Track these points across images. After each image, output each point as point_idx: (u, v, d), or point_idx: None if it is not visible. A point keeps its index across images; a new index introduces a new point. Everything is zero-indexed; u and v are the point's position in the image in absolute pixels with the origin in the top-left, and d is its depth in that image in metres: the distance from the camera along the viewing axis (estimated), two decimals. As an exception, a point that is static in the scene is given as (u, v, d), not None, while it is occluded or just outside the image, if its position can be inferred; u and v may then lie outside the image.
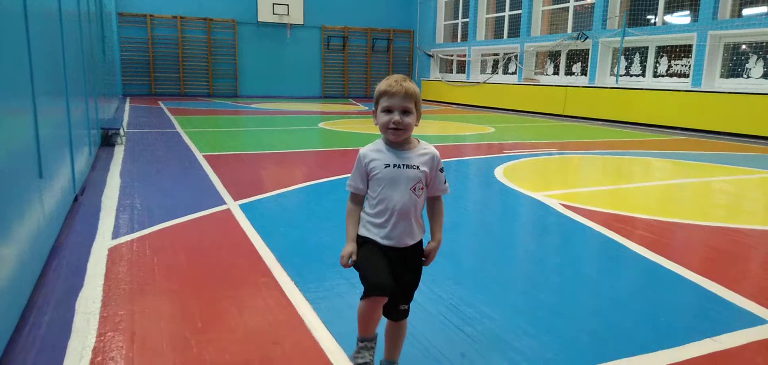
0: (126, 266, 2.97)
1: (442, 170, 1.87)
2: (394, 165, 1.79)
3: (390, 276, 1.77)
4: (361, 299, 1.79)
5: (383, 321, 1.92)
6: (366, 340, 1.86)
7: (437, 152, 1.86)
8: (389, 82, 1.80)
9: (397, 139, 1.80)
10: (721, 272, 3.15)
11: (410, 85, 1.79)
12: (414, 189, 1.80)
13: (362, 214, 1.86)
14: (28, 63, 2.74)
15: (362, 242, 1.84)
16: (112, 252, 3.19)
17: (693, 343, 2.27)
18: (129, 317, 2.37)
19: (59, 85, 3.85)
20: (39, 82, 2.97)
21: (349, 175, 1.88)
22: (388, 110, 1.79)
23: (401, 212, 1.79)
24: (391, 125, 1.77)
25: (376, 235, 1.81)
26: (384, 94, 1.80)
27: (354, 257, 1.80)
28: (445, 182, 1.88)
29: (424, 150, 1.84)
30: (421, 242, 1.88)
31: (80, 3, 5.45)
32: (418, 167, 1.80)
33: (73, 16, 4.83)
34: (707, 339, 2.31)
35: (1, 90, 2.27)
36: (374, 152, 1.83)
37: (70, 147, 4.12)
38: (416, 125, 1.83)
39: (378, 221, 1.81)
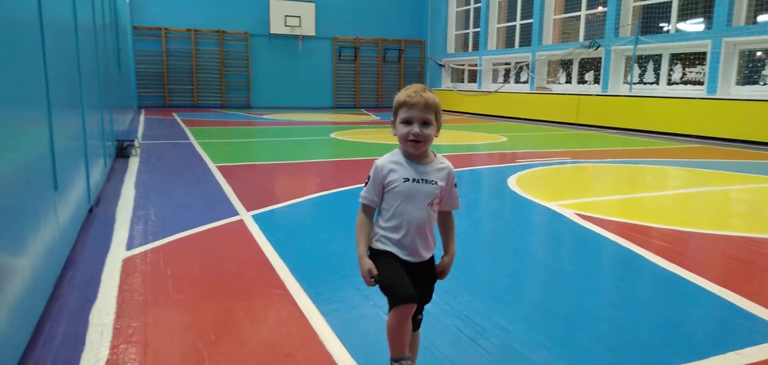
0: (140, 278, 2.97)
1: (455, 185, 1.85)
2: (414, 180, 1.76)
3: (412, 286, 1.74)
4: (390, 312, 1.73)
5: None
6: (402, 360, 1.78)
7: (452, 167, 1.84)
8: (409, 92, 1.76)
9: (417, 151, 1.76)
10: (741, 283, 3.08)
11: (430, 96, 1.76)
12: (431, 204, 1.78)
13: (377, 228, 1.82)
14: (43, 75, 2.77)
15: (378, 254, 1.80)
16: (126, 264, 3.20)
17: (715, 357, 2.21)
18: (142, 329, 2.37)
19: (74, 97, 3.89)
20: (54, 95, 3.00)
21: (360, 185, 1.85)
22: (408, 122, 1.75)
23: (418, 227, 1.76)
24: (411, 137, 1.74)
25: (395, 250, 1.78)
26: (403, 104, 1.76)
27: (374, 272, 1.76)
28: (458, 197, 1.87)
29: (441, 165, 1.81)
30: (433, 255, 1.86)
31: (96, 16, 5.53)
32: (435, 182, 1.77)
33: (88, 29, 4.89)
34: (730, 353, 2.25)
35: (17, 102, 2.29)
36: (393, 164, 1.79)
37: (85, 159, 4.15)
38: (436, 136, 1.79)
39: (395, 236, 1.77)
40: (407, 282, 1.72)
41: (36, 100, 2.63)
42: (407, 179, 1.76)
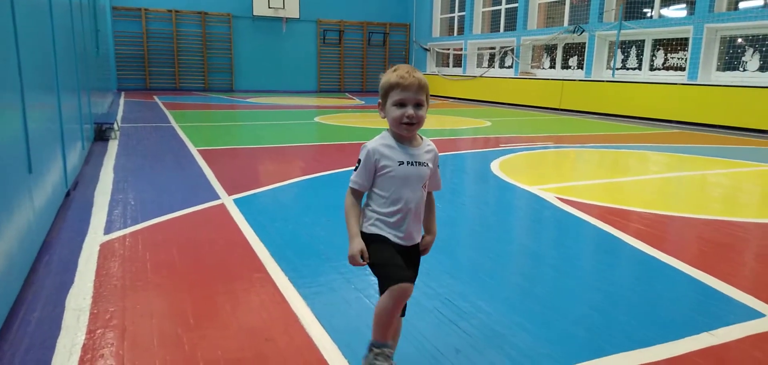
0: (118, 262, 2.93)
1: (438, 166, 1.85)
2: (408, 163, 1.73)
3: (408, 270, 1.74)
4: (386, 293, 1.68)
5: None
6: (383, 346, 1.74)
7: (437, 149, 1.84)
8: (400, 73, 1.71)
9: (411, 133, 1.74)
10: (717, 265, 3.14)
11: (421, 77, 1.73)
12: (424, 186, 1.77)
13: (370, 212, 1.78)
14: (15, 57, 2.70)
15: (371, 239, 1.76)
16: (104, 248, 3.15)
17: (690, 337, 2.26)
18: (120, 313, 2.34)
19: (50, 79, 3.80)
20: (27, 77, 2.92)
21: (345, 169, 1.83)
22: (402, 104, 1.70)
23: (415, 210, 1.75)
24: (405, 120, 1.70)
25: (390, 234, 1.75)
26: (396, 86, 1.70)
27: (366, 254, 1.73)
28: (440, 178, 1.88)
29: (428, 146, 1.81)
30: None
31: (72, -4, 5.39)
32: (427, 165, 1.76)
33: (64, 10, 4.77)
34: (704, 333, 2.29)
35: (-12, 83, 2.22)
36: (385, 148, 1.74)
37: (61, 142, 4.07)
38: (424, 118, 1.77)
39: (392, 220, 1.74)
40: (405, 266, 1.72)
41: (7, 82, 2.55)
42: (402, 163, 1.73)
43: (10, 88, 2.59)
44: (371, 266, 1.74)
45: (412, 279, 1.71)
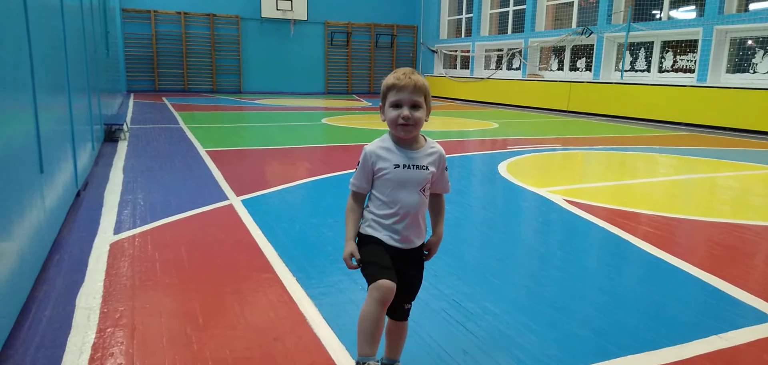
0: (127, 262, 2.96)
1: (446, 169, 1.83)
2: (405, 166, 1.73)
3: (394, 270, 1.73)
4: (368, 295, 1.69)
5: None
6: (366, 359, 1.70)
7: (443, 151, 1.82)
8: (397, 75, 1.72)
9: (408, 135, 1.73)
10: (726, 268, 3.12)
11: (419, 78, 1.72)
12: (423, 190, 1.76)
13: (368, 214, 1.80)
14: (28, 58, 2.73)
15: (366, 240, 1.78)
16: (114, 248, 3.18)
17: (699, 340, 2.24)
18: (129, 313, 2.36)
19: (61, 80, 3.84)
20: (40, 78, 2.95)
21: (352, 171, 1.83)
22: (397, 105, 1.71)
23: (412, 214, 1.74)
24: (401, 121, 1.70)
25: (385, 236, 1.75)
26: (392, 88, 1.72)
27: (357, 256, 1.75)
28: (448, 180, 1.86)
29: (432, 149, 1.79)
30: (424, 242, 1.85)
31: (83, -2, 5.44)
32: (427, 168, 1.75)
33: (75, 12, 4.82)
34: (713, 336, 2.28)
35: (0, 85, 2.25)
36: (382, 150, 1.75)
37: (72, 143, 4.11)
38: (426, 120, 1.75)
39: (387, 222, 1.75)
40: (389, 266, 1.71)
41: (20, 82, 2.58)
42: (398, 166, 1.73)
43: (22, 89, 2.62)
44: (361, 267, 1.76)
45: (393, 278, 1.68)
